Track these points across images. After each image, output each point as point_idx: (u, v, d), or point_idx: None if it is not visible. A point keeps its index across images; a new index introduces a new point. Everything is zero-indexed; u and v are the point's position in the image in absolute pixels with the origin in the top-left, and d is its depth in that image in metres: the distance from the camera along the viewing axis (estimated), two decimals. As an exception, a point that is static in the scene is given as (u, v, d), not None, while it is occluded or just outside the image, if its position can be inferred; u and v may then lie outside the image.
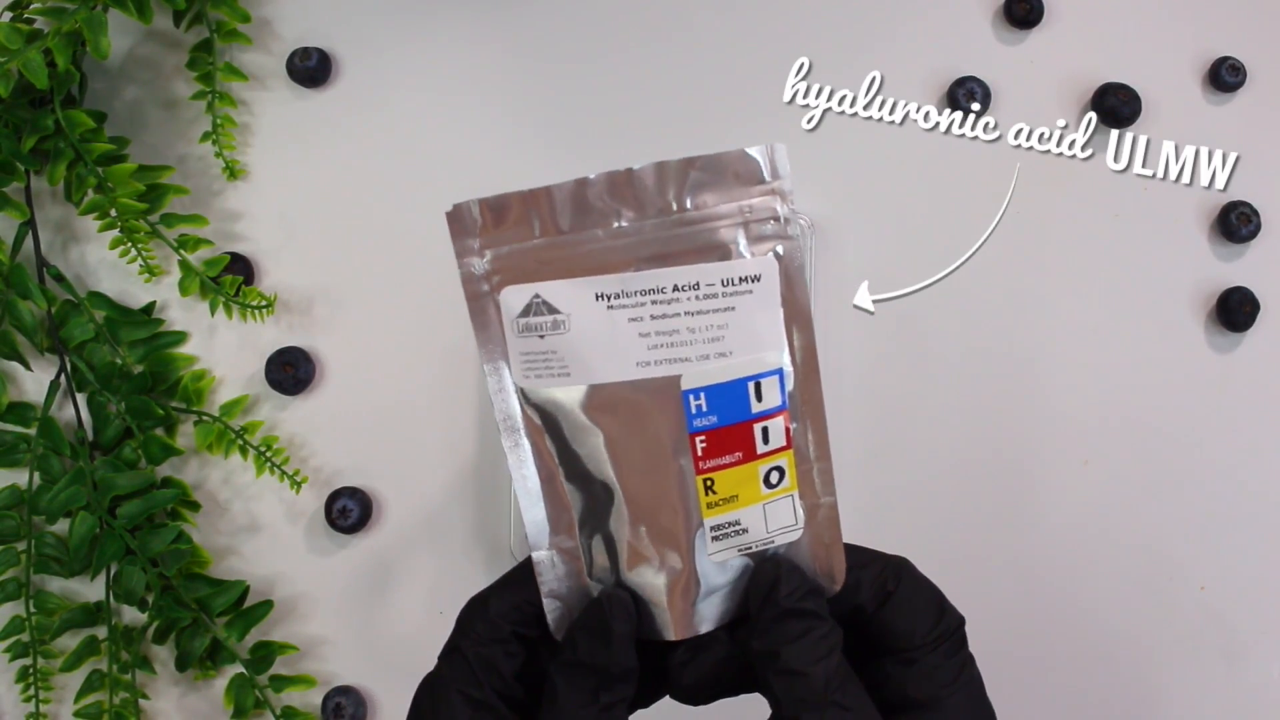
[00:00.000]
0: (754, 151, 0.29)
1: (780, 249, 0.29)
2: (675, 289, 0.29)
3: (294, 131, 0.51)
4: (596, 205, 0.29)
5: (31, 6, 0.46)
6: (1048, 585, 0.52)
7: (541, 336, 0.29)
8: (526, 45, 0.52)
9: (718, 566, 0.30)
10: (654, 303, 0.29)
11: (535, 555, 0.30)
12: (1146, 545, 0.52)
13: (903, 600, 0.30)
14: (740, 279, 0.29)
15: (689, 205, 0.29)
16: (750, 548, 0.30)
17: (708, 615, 0.30)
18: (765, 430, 0.30)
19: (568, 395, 0.29)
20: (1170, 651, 0.52)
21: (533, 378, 0.29)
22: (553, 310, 0.29)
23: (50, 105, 0.47)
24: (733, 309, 0.29)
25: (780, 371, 0.30)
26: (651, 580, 0.30)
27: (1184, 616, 0.52)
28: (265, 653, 0.49)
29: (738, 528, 0.30)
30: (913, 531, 0.51)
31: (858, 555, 0.31)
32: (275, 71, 0.51)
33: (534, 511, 0.30)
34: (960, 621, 0.31)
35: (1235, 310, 0.51)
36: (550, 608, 0.30)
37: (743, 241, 0.29)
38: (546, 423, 0.30)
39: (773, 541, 0.30)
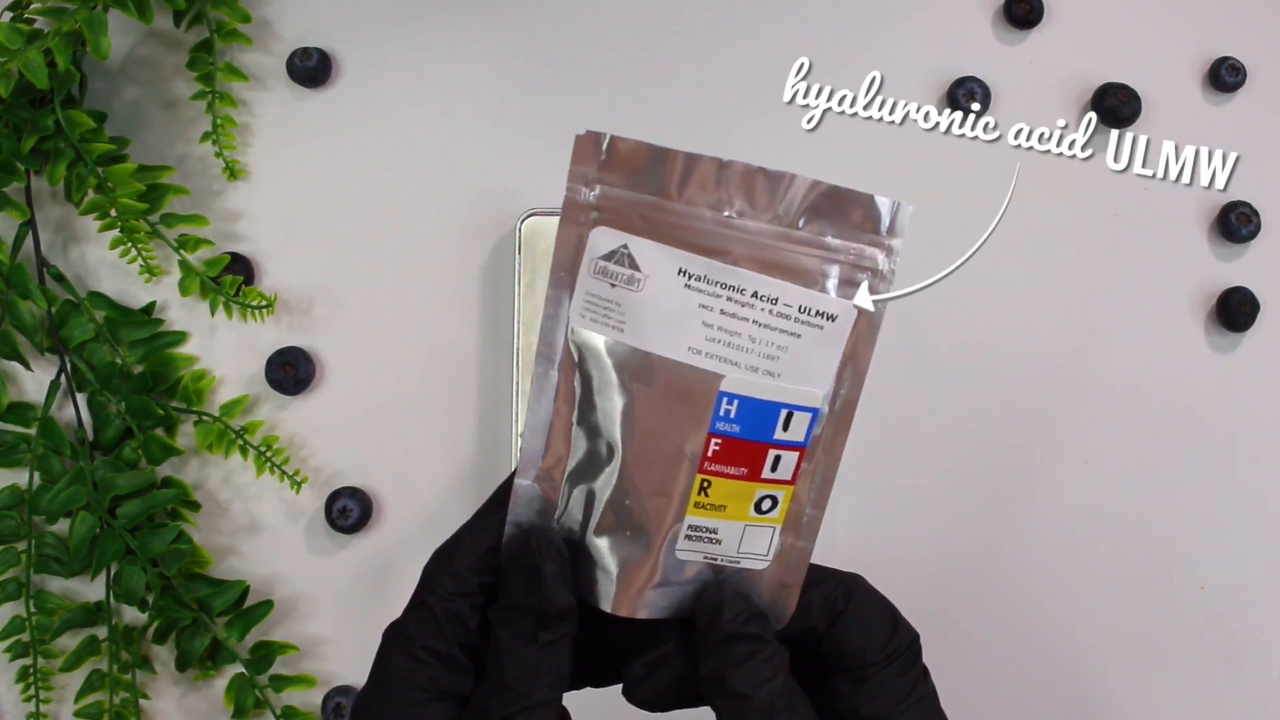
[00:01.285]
0: (882, 201, 0.30)
1: (866, 302, 0.30)
2: (754, 295, 0.29)
3: (294, 131, 0.51)
4: (716, 188, 0.29)
5: (32, 6, 0.46)
6: (1047, 585, 0.52)
7: (613, 285, 0.29)
8: (526, 45, 0.52)
9: (680, 564, 0.30)
10: (729, 299, 0.29)
11: (517, 482, 0.31)
12: (1146, 545, 0.52)
13: (853, 618, 0.30)
14: (817, 312, 0.29)
15: (800, 224, 0.29)
16: (716, 559, 0.31)
17: (651, 603, 0.31)
18: (777, 459, 0.30)
19: (614, 349, 0.30)
20: (1170, 651, 0.52)
21: (588, 319, 0.30)
22: (634, 266, 0.29)
23: (50, 105, 0.47)
24: (798, 336, 0.29)
25: (816, 412, 0.30)
26: (614, 550, 0.30)
27: (1184, 616, 0.52)
28: (265, 653, 0.49)
29: (713, 536, 0.30)
30: (912, 531, 0.52)
31: (809, 573, 0.31)
32: (275, 71, 0.51)
33: (533, 442, 0.31)
34: (914, 637, 0.31)
35: (1235, 310, 0.51)
36: (509, 534, 0.30)
37: (834, 279, 0.30)
38: (582, 365, 0.30)
39: (738, 562, 0.31)
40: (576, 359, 0.30)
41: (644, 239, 0.29)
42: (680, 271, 0.29)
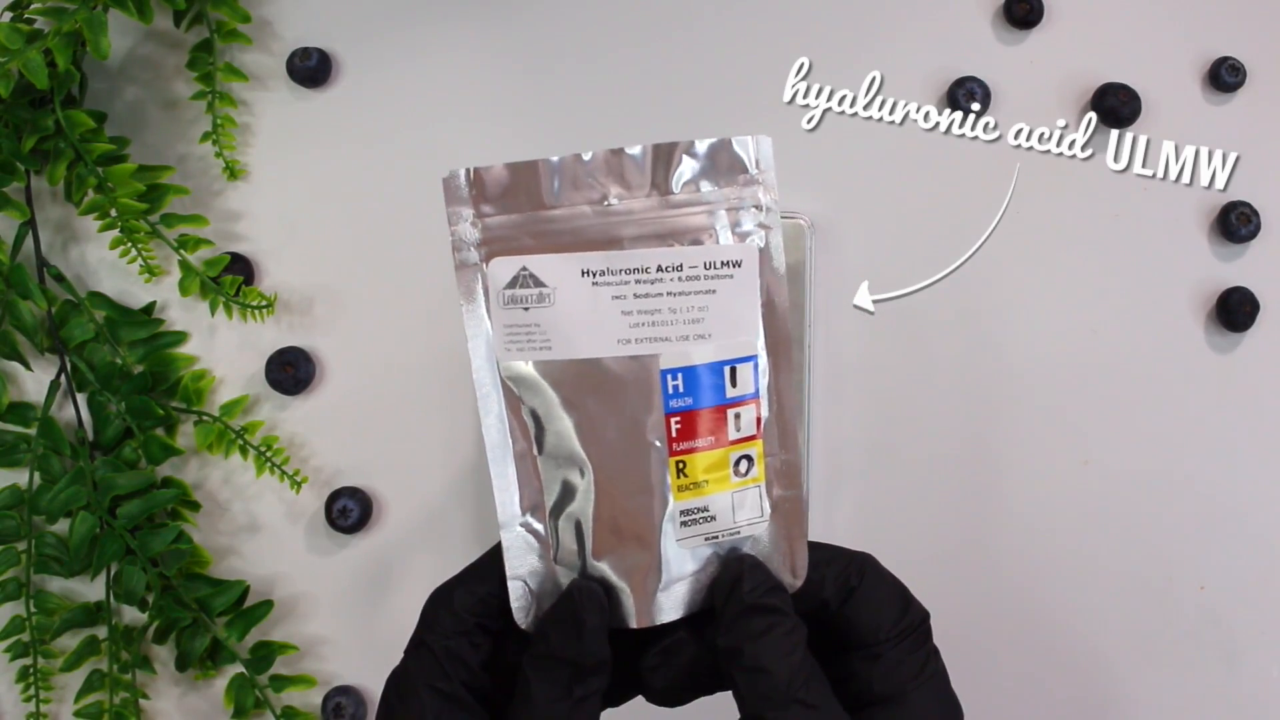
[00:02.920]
0: (739, 142, 0.30)
1: (761, 239, 0.30)
2: (659, 269, 0.29)
3: (294, 131, 0.51)
4: (587, 181, 0.29)
5: (32, 6, 0.46)
6: (1047, 585, 0.52)
7: (526, 309, 0.29)
8: (527, 45, 0.52)
9: (684, 554, 0.30)
10: (638, 281, 0.29)
11: (504, 536, 0.30)
12: (1146, 545, 0.52)
13: (866, 595, 0.30)
14: (722, 263, 0.30)
15: (676, 189, 0.30)
16: (717, 537, 0.30)
17: (668, 605, 0.31)
18: (738, 416, 0.30)
19: (548, 370, 0.30)
20: (1170, 651, 0.52)
21: (515, 350, 0.30)
22: (539, 284, 0.29)
23: (50, 105, 0.47)
24: (714, 292, 0.30)
25: (755, 359, 0.30)
26: (617, 566, 0.30)
27: (1184, 616, 0.52)
28: (265, 653, 0.49)
29: (706, 514, 0.30)
30: (912, 531, 0.52)
31: (821, 551, 0.31)
32: (275, 71, 0.51)
33: (505, 491, 0.31)
34: (924, 616, 0.31)
35: (1235, 310, 0.51)
36: (515, 591, 0.30)
37: (725, 226, 0.30)
38: (525, 397, 0.30)
39: (739, 532, 0.31)
40: (518, 393, 0.30)
41: (539, 255, 0.29)
42: (584, 273, 0.29)
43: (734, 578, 0.30)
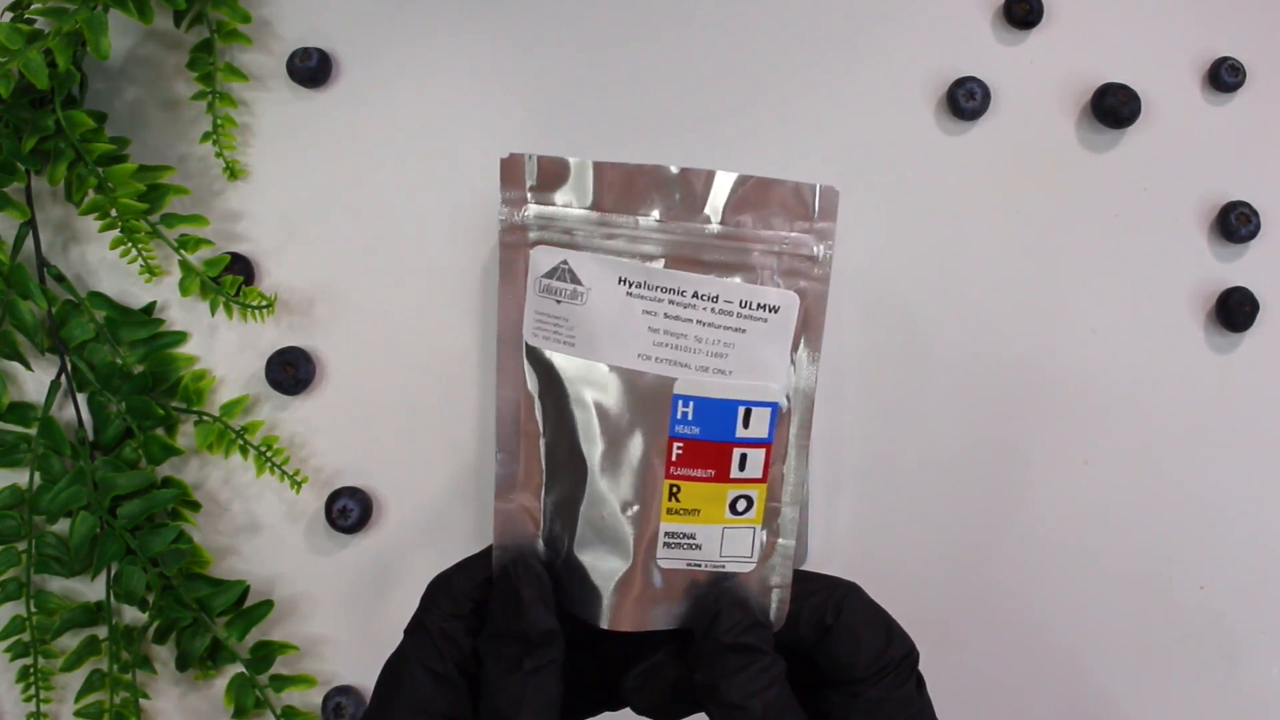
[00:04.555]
0: (807, 188, 0.29)
1: (805, 288, 0.30)
2: (695, 295, 0.29)
3: (294, 131, 0.51)
4: (644, 193, 0.29)
5: (32, 7, 0.46)
6: (1047, 584, 0.52)
7: (558, 301, 0.30)
8: (527, 45, 0.52)
9: (666, 574, 0.30)
10: (671, 302, 0.29)
11: (497, 505, 0.31)
12: (1146, 545, 0.52)
13: (844, 631, 0.30)
14: (759, 305, 0.29)
15: (732, 219, 0.29)
16: (700, 565, 0.30)
17: (645, 616, 0.31)
18: (744, 457, 0.30)
19: (569, 364, 0.30)
20: (1170, 651, 0.52)
21: (540, 338, 0.30)
22: (575, 280, 0.29)
23: (50, 105, 0.47)
24: (743, 331, 0.29)
25: (775, 406, 0.30)
26: (598, 564, 0.30)
27: (1184, 616, 0.52)
28: (265, 653, 0.49)
29: (692, 542, 0.30)
30: (911, 530, 0.52)
31: (804, 583, 0.31)
32: (275, 71, 0.51)
33: (508, 465, 0.31)
34: (908, 650, 0.30)
35: (1235, 310, 0.51)
36: (498, 556, 0.30)
37: (772, 270, 0.30)
38: (543, 384, 0.30)
39: (723, 566, 0.30)
40: (537, 379, 0.30)
41: (581, 252, 0.29)
42: (620, 280, 0.29)
43: (711, 615, 0.29)
